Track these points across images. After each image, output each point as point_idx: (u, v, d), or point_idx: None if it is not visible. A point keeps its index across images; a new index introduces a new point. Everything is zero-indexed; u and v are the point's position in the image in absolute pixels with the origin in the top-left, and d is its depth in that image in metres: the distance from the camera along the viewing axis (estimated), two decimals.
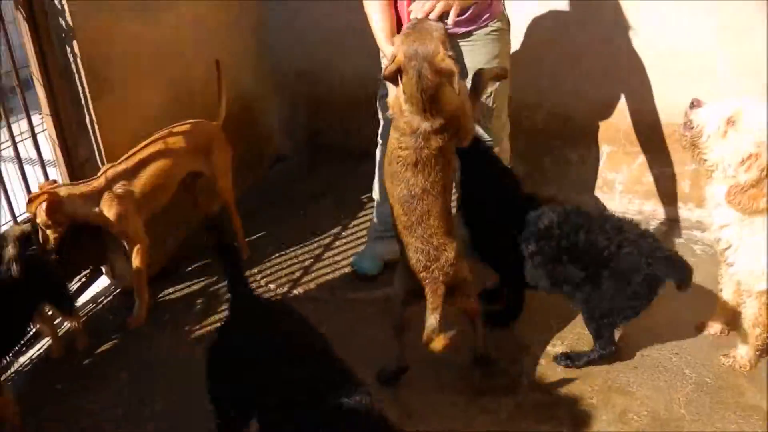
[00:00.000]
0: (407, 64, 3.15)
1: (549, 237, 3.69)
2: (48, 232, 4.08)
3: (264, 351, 2.88)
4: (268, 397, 2.74)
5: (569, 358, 3.85)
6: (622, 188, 5.25)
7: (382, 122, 4.46)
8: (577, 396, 3.71)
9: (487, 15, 4.04)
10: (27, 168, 4.31)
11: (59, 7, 4.05)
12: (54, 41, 4.17)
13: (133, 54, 4.54)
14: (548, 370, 3.89)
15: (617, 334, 3.82)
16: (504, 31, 4.16)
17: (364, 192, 4.70)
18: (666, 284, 3.58)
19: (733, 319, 3.93)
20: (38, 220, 4.02)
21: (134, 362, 4.16)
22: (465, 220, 4.01)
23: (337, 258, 5.00)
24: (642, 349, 3.94)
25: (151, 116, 4.68)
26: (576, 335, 4.09)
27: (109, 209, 4.18)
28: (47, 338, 4.29)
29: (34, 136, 4.35)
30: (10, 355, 4.01)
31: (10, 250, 3.73)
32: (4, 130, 4.23)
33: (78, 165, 4.39)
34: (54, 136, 4.35)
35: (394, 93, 3.41)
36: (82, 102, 4.30)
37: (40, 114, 4.37)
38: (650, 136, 5.00)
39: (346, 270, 4.82)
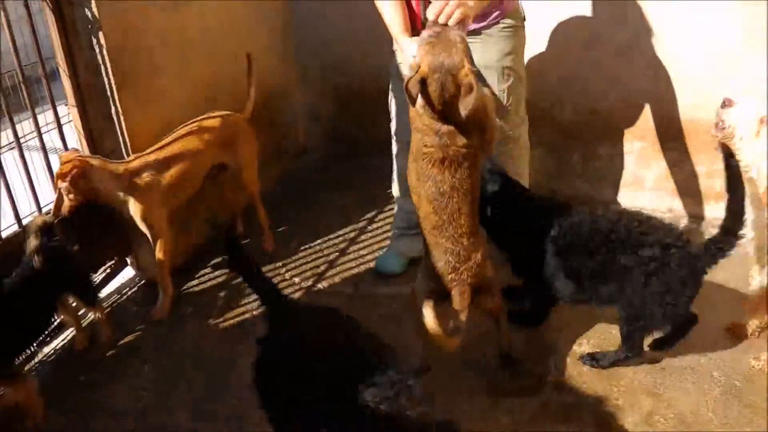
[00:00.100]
0: (431, 76, 3.08)
1: (577, 243, 3.56)
2: (66, 198, 4.03)
3: (313, 359, 2.78)
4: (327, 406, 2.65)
5: (594, 359, 3.77)
6: (652, 185, 5.15)
7: (394, 119, 4.42)
8: (603, 397, 3.63)
9: (498, 12, 3.98)
10: (52, 158, 4.28)
11: None
12: (80, 32, 4.15)
13: (159, 46, 4.51)
14: (573, 369, 3.81)
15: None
16: (518, 28, 4.10)
17: (390, 185, 4.64)
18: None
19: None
20: (61, 184, 3.98)
21: (157, 355, 4.14)
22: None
23: (362, 252, 4.94)
24: (669, 350, 3.84)
25: (177, 108, 4.65)
26: (602, 334, 4.01)
27: (133, 198, 4.16)
28: (71, 329, 4.27)
29: (59, 126, 4.34)
30: (34, 345, 4.00)
31: (32, 242, 3.73)
32: (30, 120, 4.22)
33: (103, 156, 4.34)
34: (79, 127, 4.33)
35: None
36: (108, 93, 4.27)
37: (66, 105, 4.35)
38: (681, 132, 4.90)
39: (371, 264, 4.76)
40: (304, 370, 2.75)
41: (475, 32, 3.94)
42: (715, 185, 4.89)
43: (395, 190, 4.65)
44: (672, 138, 4.95)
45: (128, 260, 4.85)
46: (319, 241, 5.10)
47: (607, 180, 5.28)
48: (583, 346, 3.96)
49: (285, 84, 6.01)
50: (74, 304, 4.16)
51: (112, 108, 4.30)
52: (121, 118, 4.32)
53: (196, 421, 3.67)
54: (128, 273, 4.86)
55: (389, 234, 4.89)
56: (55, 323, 4.21)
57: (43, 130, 4.28)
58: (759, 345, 3.82)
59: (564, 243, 3.57)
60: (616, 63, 4.94)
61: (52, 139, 4.36)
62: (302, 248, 5.03)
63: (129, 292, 4.70)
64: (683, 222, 5.02)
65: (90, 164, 4.04)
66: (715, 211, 4.92)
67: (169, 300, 4.44)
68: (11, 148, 4.22)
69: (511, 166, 4.34)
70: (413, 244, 3.92)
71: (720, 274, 3.68)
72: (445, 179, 3.23)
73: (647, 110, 4.97)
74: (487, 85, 3.92)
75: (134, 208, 4.17)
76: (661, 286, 3.36)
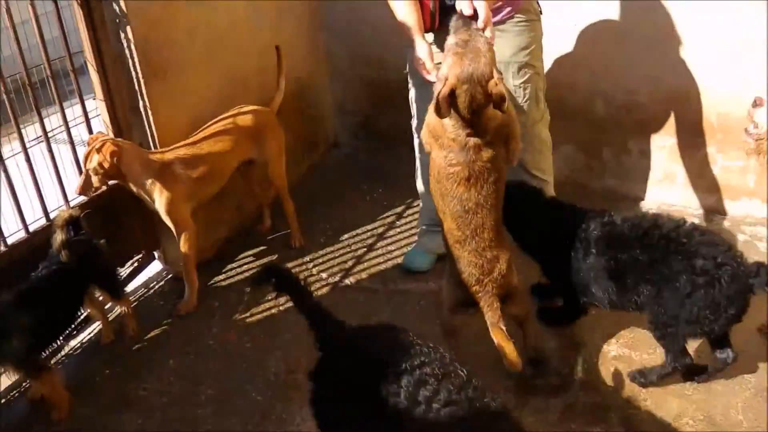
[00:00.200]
0: (460, 87, 2.99)
1: (612, 247, 3.45)
2: (94, 178, 4.02)
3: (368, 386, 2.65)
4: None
5: (643, 376, 3.60)
6: (683, 181, 5.03)
7: (415, 114, 4.34)
8: (631, 397, 3.56)
9: (510, 8, 3.91)
10: (80, 152, 4.23)
11: None
12: (108, 26, 4.13)
13: (187, 39, 4.46)
14: (602, 369, 3.73)
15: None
16: (533, 22, 4.03)
17: None
18: None
19: None
20: (90, 164, 3.97)
21: (182, 349, 4.12)
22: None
23: (390, 248, 4.88)
24: (699, 351, 3.72)
25: (205, 102, 4.61)
26: (632, 333, 3.93)
27: (160, 189, 4.13)
28: (97, 323, 4.26)
29: (87, 120, 4.33)
30: (61, 339, 3.98)
31: (58, 236, 3.71)
32: (58, 114, 4.20)
33: None
34: (108, 121, 4.31)
35: (425, 122, 3.32)
36: (136, 87, 4.25)
37: (94, 98, 4.33)
38: (713, 128, 4.79)
39: (399, 260, 4.69)
40: (360, 399, 2.65)
41: None
42: (747, 182, 4.79)
43: (419, 185, 4.58)
44: (703, 134, 4.84)
45: (156, 254, 4.82)
46: (346, 236, 5.04)
47: (637, 176, 5.18)
48: (612, 345, 3.87)
49: (314, 77, 5.95)
50: (101, 298, 4.14)
51: (140, 101, 4.28)
52: (149, 111, 4.30)
53: (220, 417, 3.65)
54: (156, 267, 4.84)
55: (417, 230, 4.82)
56: (82, 317, 4.18)
57: (70, 124, 4.26)
58: None
59: (611, 242, 3.46)
60: (647, 58, 4.83)
61: (79, 132, 4.34)
62: (330, 243, 4.97)
63: (156, 286, 4.68)
64: (715, 219, 4.91)
65: (121, 147, 4.03)
66: (747, 208, 4.85)
67: (195, 294, 4.40)
68: (39, 142, 4.19)
69: (531, 161, 4.30)
70: (440, 240, 3.84)
71: None
72: (471, 197, 3.17)
73: (679, 106, 4.86)
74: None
75: (159, 200, 4.15)
76: (706, 300, 3.22)
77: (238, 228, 5.13)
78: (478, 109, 3.01)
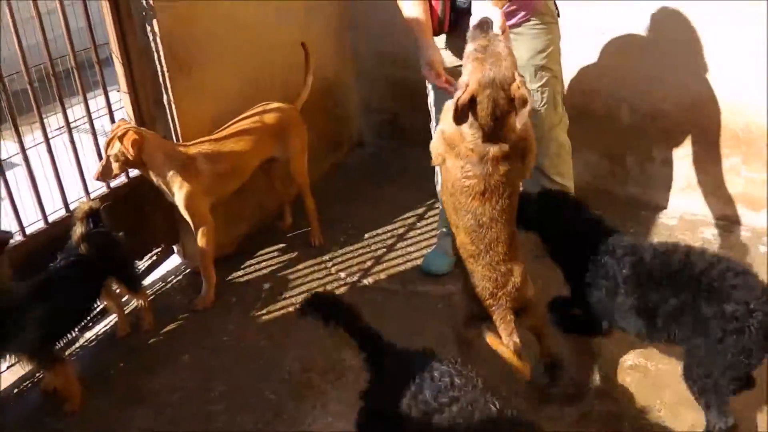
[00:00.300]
0: (481, 93, 2.88)
1: (641, 286, 3.23)
2: (114, 164, 3.98)
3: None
4: None
5: None
6: (706, 190, 4.91)
7: (433, 116, 4.25)
8: (645, 408, 3.47)
9: (525, 12, 3.83)
10: (102, 143, 4.16)
11: None
12: (135, 20, 4.10)
13: (213, 35, 4.41)
14: (617, 378, 3.64)
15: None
16: (550, 25, 3.94)
17: None
18: None
19: None
20: (111, 150, 3.93)
21: (197, 344, 4.07)
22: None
23: (410, 249, 4.79)
24: None
25: (229, 97, 4.57)
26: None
27: (181, 182, 4.08)
28: (113, 316, 4.22)
29: (110, 112, 4.30)
30: (76, 330, 3.92)
31: (78, 228, 3.69)
32: (81, 105, 4.18)
33: None
34: (131, 114, 4.29)
35: (438, 130, 3.21)
36: (160, 80, 4.22)
37: (118, 90, 4.30)
38: (738, 138, 4.67)
39: (418, 262, 4.61)
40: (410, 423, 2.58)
41: None
42: None
43: (439, 188, 4.47)
44: (728, 143, 4.72)
45: (175, 248, 4.78)
46: (366, 235, 4.96)
47: (660, 184, 5.06)
48: (628, 354, 3.77)
49: (341, 76, 5.88)
50: (118, 291, 4.11)
51: (164, 95, 4.25)
52: (173, 105, 4.27)
53: (231, 414, 3.60)
54: (174, 261, 4.79)
55: (437, 232, 4.74)
56: (98, 309, 4.12)
57: (93, 115, 4.22)
58: None
59: (640, 280, 3.25)
60: (674, 67, 4.73)
61: (102, 124, 4.30)
62: (349, 242, 4.90)
63: (174, 280, 4.64)
64: (736, 230, 4.78)
65: (144, 135, 3.99)
66: None
67: (213, 290, 4.35)
68: (62, 133, 4.15)
69: (549, 165, 4.24)
70: None
71: None
72: (485, 211, 3.06)
73: (703, 115, 4.74)
74: None
75: (179, 193, 4.09)
76: (737, 346, 3.00)
77: (259, 224, 5.07)
78: (501, 117, 2.90)
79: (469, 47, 3.02)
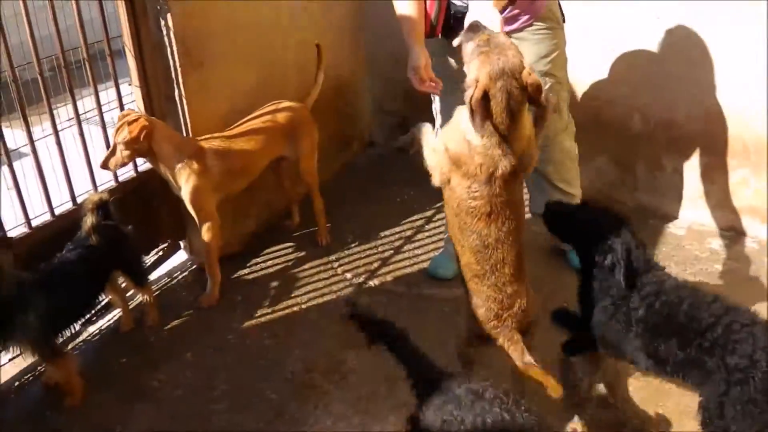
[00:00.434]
0: (493, 87, 2.72)
1: (651, 332, 3.07)
2: (120, 153, 3.88)
3: None
4: None
5: None
6: (716, 201, 4.84)
7: (439, 122, 4.09)
8: (648, 417, 3.40)
9: (527, 16, 3.71)
10: (111, 135, 4.09)
11: None
12: (149, 14, 4.04)
13: (228, 31, 4.34)
14: (620, 387, 3.55)
15: None
16: (554, 30, 3.82)
17: None
18: None
19: None
20: (120, 137, 3.84)
21: (201, 342, 4.00)
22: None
23: (417, 252, 4.70)
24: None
25: (241, 95, 4.50)
26: None
27: (188, 176, 3.99)
28: (118, 310, 4.15)
29: (121, 105, 4.22)
30: (79, 324, 3.84)
31: (88, 219, 3.63)
32: (92, 97, 4.11)
33: None
34: (142, 108, 4.21)
35: (435, 149, 3.09)
36: (173, 76, 4.15)
37: (129, 84, 4.24)
38: (749, 150, 4.60)
39: (425, 265, 4.52)
40: None
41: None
42: None
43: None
44: (738, 155, 4.65)
45: (182, 243, 4.71)
46: (374, 237, 4.88)
47: (669, 193, 4.99)
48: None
49: (354, 76, 5.81)
50: (123, 285, 4.03)
51: (176, 90, 4.18)
52: (184, 101, 4.20)
53: (232, 413, 3.54)
54: (181, 256, 4.71)
55: (445, 235, 4.65)
56: (102, 303, 4.07)
57: (104, 108, 4.15)
58: None
59: (649, 326, 3.08)
60: (687, 77, 4.65)
61: (113, 117, 4.20)
62: (357, 243, 4.81)
63: (180, 276, 4.56)
64: (746, 242, 4.69)
65: (154, 123, 3.93)
66: None
67: (217, 287, 4.28)
68: (71, 125, 4.08)
69: (553, 172, 4.17)
70: None
71: None
72: (491, 233, 2.92)
73: (715, 125, 4.67)
74: None
75: (185, 186, 4.01)
76: (742, 398, 2.85)
77: (266, 223, 4.99)
78: (517, 110, 2.75)
79: (470, 45, 2.88)
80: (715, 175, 4.77)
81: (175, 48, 4.05)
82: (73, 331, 3.75)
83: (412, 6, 3.58)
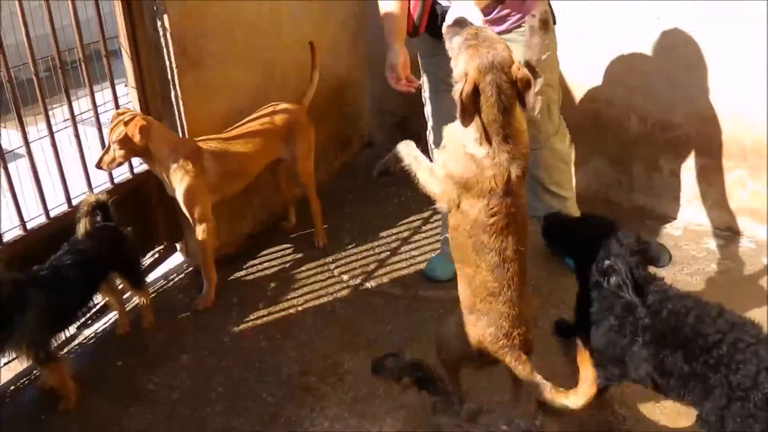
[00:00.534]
0: (483, 80, 2.62)
1: (656, 343, 2.99)
2: (115, 152, 3.84)
3: None
4: None
5: None
6: (712, 202, 4.81)
7: (431, 127, 4.12)
8: (644, 416, 3.38)
9: (518, 16, 3.64)
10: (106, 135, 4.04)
11: None
12: (145, 14, 4.00)
13: (224, 32, 4.30)
14: (616, 387, 3.45)
15: None
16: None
17: None
18: None
19: None
20: (116, 136, 3.79)
21: (197, 344, 3.96)
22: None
23: (413, 253, 4.66)
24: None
25: (238, 95, 4.47)
26: None
27: (183, 176, 3.95)
28: (114, 313, 4.11)
29: (117, 106, 4.18)
30: (76, 326, 3.84)
31: (82, 221, 3.61)
32: (88, 98, 4.06)
33: None
34: (138, 109, 4.15)
35: (434, 173, 2.93)
36: (169, 76, 4.11)
37: (126, 85, 4.20)
38: (746, 151, 4.58)
39: (422, 266, 4.48)
40: None
41: None
42: None
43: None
44: (735, 156, 4.62)
45: (178, 245, 4.66)
46: (371, 238, 4.83)
47: (667, 194, 4.96)
48: None
49: (354, 76, 5.76)
50: (120, 286, 4.00)
51: (172, 91, 4.14)
52: (180, 102, 4.16)
53: (228, 416, 3.50)
54: (177, 259, 4.67)
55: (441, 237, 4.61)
56: (98, 305, 4.05)
57: (100, 109, 4.11)
58: None
59: (655, 337, 3.01)
60: (685, 78, 4.62)
61: (108, 118, 4.13)
62: (354, 244, 4.77)
63: (176, 278, 4.52)
64: (742, 242, 4.67)
65: (151, 122, 3.89)
66: None
67: (213, 289, 4.23)
68: (66, 127, 4.03)
69: (546, 177, 4.14)
70: None
71: None
72: (509, 245, 2.77)
73: (712, 127, 4.64)
74: None
75: (180, 187, 3.97)
76: (743, 412, 2.80)
77: (262, 224, 4.96)
78: (508, 106, 2.64)
79: (457, 39, 2.77)
80: (712, 176, 4.75)
81: (171, 48, 4.01)
82: (68, 335, 3.72)
83: (395, 5, 3.54)
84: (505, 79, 2.62)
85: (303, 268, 4.54)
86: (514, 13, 3.65)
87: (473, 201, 2.74)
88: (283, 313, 4.16)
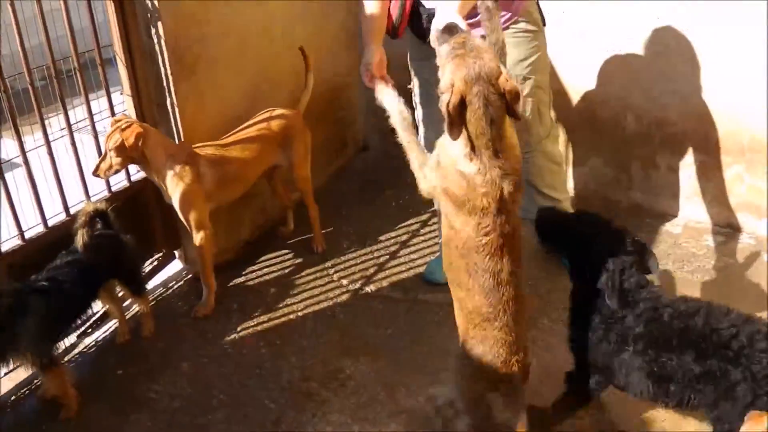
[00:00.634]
0: (469, 92, 2.53)
1: (655, 348, 2.86)
2: (112, 159, 3.82)
3: None
4: None
5: None
6: (711, 198, 4.80)
7: (422, 132, 4.04)
8: (648, 419, 3.35)
9: (507, 15, 3.60)
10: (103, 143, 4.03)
11: None
12: (139, 21, 3.98)
13: (220, 38, 4.28)
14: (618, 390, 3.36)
15: None
16: (534, 33, 3.72)
17: None
18: None
19: None
20: (112, 143, 3.78)
21: (197, 352, 3.95)
22: None
23: (412, 256, 4.64)
24: None
25: (234, 101, 4.45)
26: None
27: (179, 183, 3.93)
28: (114, 321, 4.09)
29: (113, 113, 4.16)
30: (77, 334, 3.82)
31: (80, 229, 3.56)
32: (83, 107, 4.04)
33: None
34: (134, 116, 4.14)
35: (426, 177, 2.90)
36: (164, 83, 4.09)
37: (121, 93, 4.18)
38: (743, 147, 4.57)
39: (421, 269, 4.46)
40: None
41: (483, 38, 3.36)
42: None
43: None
44: (732, 152, 4.62)
45: (176, 253, 4.64)
46: (369, 242, 4.81)
47: (665, 191, 4.95)
48: None
49: (350, 80, 5.72)
50: (121, 294, 3.99)
51: (167, 98, 4.12)
52: (176, 108, 4.14)
53: (229, 423, 3.48)
54: (176, 266, 4.65)
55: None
56: (98, 314, 4.03)
57: (96, 117, 4.09)
58: None
59: (654, 342, 2.89)
60: (680, 75, 4.61)
61: (105, 126, 4.14)
62: (352, 249, 4.75)
63: (175, 286, 4.50)
64: (741, 238, 4.65)
65: (148, 129, 3.88)
66: None
67: (213, 296, 4.21)
68: (63, 136, 4.02)
69: (539, 179, 4.13)
70: None
71: None
72: (504, 267, 2.69)
73: (709, 123, 4.64)
74: None
75: (176, 194, 3.95)
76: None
77: (261, 230, 4.93)
78: (497, 118, 2.56)
79: (444, 48, 2.69)
80: (710, 172, 4.74)
81: (166, 55, 3.99)
82: (69, 344, 3.70)
83: (376, 5, 3.52)
84: (493, 91, 2.54)
85: (302, 274, 4.52)
86: (502, 13, 3.58)
87: (466, 218, 2.68)
88: (283, 319, 4.14)
